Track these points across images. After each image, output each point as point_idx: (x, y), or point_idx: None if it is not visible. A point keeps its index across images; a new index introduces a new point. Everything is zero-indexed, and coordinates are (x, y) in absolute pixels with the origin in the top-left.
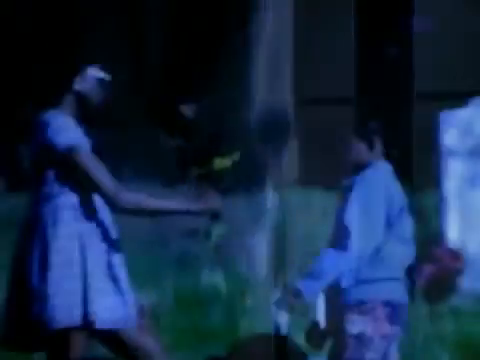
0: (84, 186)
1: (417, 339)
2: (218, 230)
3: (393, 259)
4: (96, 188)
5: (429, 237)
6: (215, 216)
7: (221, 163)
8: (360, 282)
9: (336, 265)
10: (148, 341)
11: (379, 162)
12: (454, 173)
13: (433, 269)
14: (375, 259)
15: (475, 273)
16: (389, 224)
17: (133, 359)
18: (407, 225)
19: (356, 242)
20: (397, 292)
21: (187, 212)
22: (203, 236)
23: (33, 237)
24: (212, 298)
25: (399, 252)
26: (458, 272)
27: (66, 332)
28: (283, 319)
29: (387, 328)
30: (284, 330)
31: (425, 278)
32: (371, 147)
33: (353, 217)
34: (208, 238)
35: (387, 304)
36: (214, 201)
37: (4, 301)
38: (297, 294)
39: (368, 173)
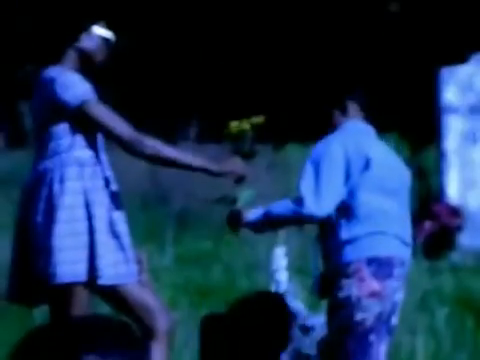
0: (90, 141)
1: (416, 295)
2: (246, 196)
3: (370, 214)
4: (114, 136)
5: (429, 194)
6: (239, 181)
7: (238, 126)
8: (342, 244)
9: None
10: (149, 297)
11: (348, 123)
12: (454, 130)
13: (432, 225)
14: (351, 217)
15: (474, 229)
16: (355, 179)
17: (134, 315)
18: (383, 177)
19: (315, 202)
20: (381, 247)
21: (205, 170)
22: (229, 203)
23: (39, 193)
24: (212, 255)
25: (375, 205)
26: (457, 228)
27: (69, 287)
28: (282, 277)
29: (375, 286)
30: (283, 288)
31: (424, 234)
32: (343, 111)
33: (307, 179)
34: (234, 204)
35: (371, 261)
36: (237, 166)
37: (10, 258)
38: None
39: (329, 137)
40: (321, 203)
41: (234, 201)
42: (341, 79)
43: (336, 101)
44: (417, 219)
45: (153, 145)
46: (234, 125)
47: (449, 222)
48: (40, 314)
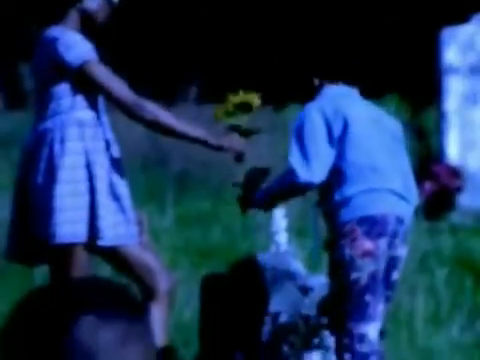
0: (91, 102)
1: (416, 255)
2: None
3: (359, 172)
4: (113, 98)
5: (429, 155)
6: (239, 159)
7: (236, 98)
8: (336, 206)
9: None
10: (149, 258)
11: (327, 89)
12: (455, 90)
13: (432, 186)
14: (341, 179)
15: (474, 190)
16: (338, 141)
17: (134, 276)
18: (367, 134)
19: (307, 170)
20: (373, 205)
21: (204, 143)
22: (233, 184)
23: (39, 153)
24: (211, 216)
25: (364, 163)
26: (457, 189)
27: (69, 248)
28: (282, 238)
29: (367, 245)
30: (283, 249)
31: (424, 195)
32: (322, 79)
33: (294, 150)
34: (236, 186)
35: (363, 221)
36: (236, 142)
37: (9, 217)
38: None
39: (307, 105)
40: (312, 169)
41: (255, 132)
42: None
43: (316, 70)
44: (417, 180)
45: (153, 110)
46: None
47: (449, 183)
48: (40, 274)
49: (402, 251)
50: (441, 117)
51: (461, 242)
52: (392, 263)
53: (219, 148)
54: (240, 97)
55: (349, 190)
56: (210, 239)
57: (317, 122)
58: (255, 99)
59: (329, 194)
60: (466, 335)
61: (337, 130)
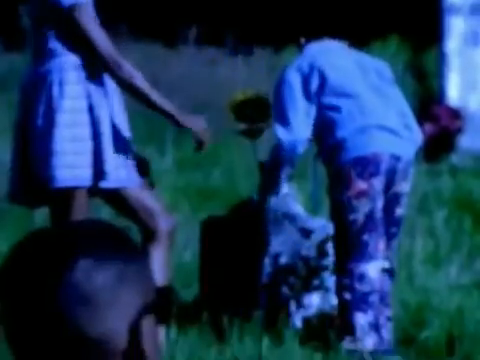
0: (88, 44)
1: (415, 197)
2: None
3: (346, 116)
4: (95, 48)
5: (429, 96)
6: (199, 148)
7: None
8: (331, 150)
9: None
10: (149, 200)
11: (308, 47)
12: (456, 31)
13: (433, 128)
14: (332, 124)
15: (474, 131)
16: (320, 92)
17: (134, 218)
18: (347, 80)
19: (289, 133)
20: (365, 145)
21: (171, 117)
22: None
23: (38, 96)
24: (212, 158)
25: (350, 106)
26: (458, 131)
27: (69, 191)
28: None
29: (361, 186)
30: (284, 190)
31: (425, 137)
32: (307, 38)
33: (276, 116)
34: (259, 135)
35: (356, 162)
36: (201, 128)
37: (10, 160)
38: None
39: (286, 67)
40: (293, 129)
41: (260, 132)
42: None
43: (299, 30)
44: (417, 122)
45: (130, 71)
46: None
47: (449, 124)
48: (40, 216)
49: (404, 187)
50: (442, 58)
51: (461, 183)
52: (394, 200)
53: (183, 126)
54: (253, 101)
55: (340, 133)
56: (210, 181)
57: (293, 81)
58: (264, 126)
59: (324, 141)
60: (464, 275)
61: (315, 84)
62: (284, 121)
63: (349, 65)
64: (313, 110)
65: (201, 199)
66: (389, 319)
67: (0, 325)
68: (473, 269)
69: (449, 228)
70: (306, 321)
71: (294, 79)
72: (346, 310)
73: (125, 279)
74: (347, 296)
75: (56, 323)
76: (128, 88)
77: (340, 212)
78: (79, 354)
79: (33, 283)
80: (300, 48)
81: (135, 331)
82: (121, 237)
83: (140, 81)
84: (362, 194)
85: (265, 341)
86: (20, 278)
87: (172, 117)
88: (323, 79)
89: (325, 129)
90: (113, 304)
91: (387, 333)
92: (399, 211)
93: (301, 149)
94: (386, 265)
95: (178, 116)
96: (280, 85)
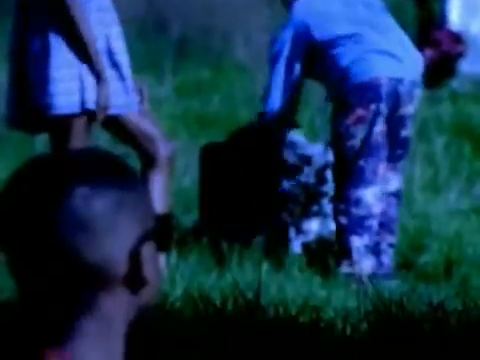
0: None
1: (415, 124)
2: None
3: (344, 49)
4: None
5: (430, 20)
6: (102, 111)
7: None
8: (334, 80)
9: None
10: (148, 126)
11: (295, 6)
12: None
13: (434, 53)
14: (332, 60)
15: (475, 56)
16: (312, 43)
17: (134, 144)
18: (338, 18)
19: (267, 106)
20: (363, 72)
21: (93, 65)
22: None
23: (32, 22)
24: (211, 85)
25: (344, 39)
26: (458, 55)
27: (68, 118)
28: None
29: (359, 112)
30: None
31: (425, 62)
32: None
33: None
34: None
35: (356, 90)
36: (105, 98)
37: (7, 87)
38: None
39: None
40: (272, 99)
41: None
42: None
43: None
44: (418, 47)
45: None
46: None
47: (451, 49)
48: (41, 142)
49: (409, 109)
50: None
51: (461, 109)
52: (399, 122)
53: (99, 83)
54: None
55: (341, 64)
56: (210, 108)
57: (284, 46)
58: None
59: (327, 76)
60: (463, 201)
61: (304, 45)
62: (268, 92)
63: (337, 7)
64: (296, 78)
65: (200, 126)
66: (391, 246)
67: (1, 252)
68: (472, 194)
69: (448, 154)
70: (305, 247)
71: (284, 44)
72: (342, 234)
73: (124, 206)
74: (343, 220)
75: (55, 249)
76: (68, 13)
77: (339, 140)
78: (79, 281)
79: (31, 209)
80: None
81: (135, 258)
82: (120, 165)
83: (83, 21)
84: (360, 120)
85: (264, 266)
86: (18, 204)
87: (93, 65)
88: (314, 31)
89: (330, 66)
90: (112, 231)
91: (388, 259)
92: (404, 133)
93: (277, 119)
94: (391, 188)
95: (98, 69)
96: (272, 52)
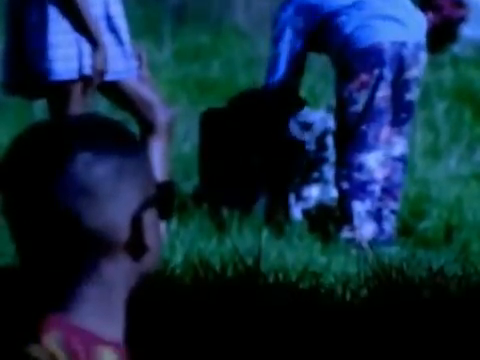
0: None
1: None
2: None
3: (347, 17)
4: None
5: None
6: (98, 76)
7: None
8: (340, 49)
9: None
10: (147, 92)
11: None
12: None
13: (435, 17)
14: (337, 29)
15: (477, 20)
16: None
17: (133, 110)
18: None
19: (271, 82)
20: (366, 37)
21: (91, 37)
22: None
23: None
24: (211, 50)
25: (346, 7)
26: (460, 20)
27: (66, 84)
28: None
29: (363, 78)
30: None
31: (427, 27)
32: None
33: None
34: None
35: (359, 55)
36: (102, 61)
37: (3, 55)
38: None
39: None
40: (276, 72)
41: None
42: None
43: None
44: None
45: None
46: None
47: (452, 14)
48: (39, 108)
49: (414, 73)
50: None
51: (462, 74)
52: (404, 86)
53: (96, 49)
54: None
55: (344, 31)
56: (209, 73)
57: (287, 21)
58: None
59: (330, 43)
60: (463, 166)
61: (308, 12)
62: (270, 67)
63: None
64: (301, 49)
65: (200, 91)
66: (394, 212)
67: (3, 216)
68: (472, 160)
69: (449, 119)
70: (305, 213)
71: (286, 21)
72: (344, 199)
73: (124, 172)
74: (345, 185)
75: (56, 215)
76: None
77: (342, 105)
78: (81, 247)
79: (33, 175)
80: None
81: (137, 225)
82: (120, 131)
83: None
84: (363, 86)
85: (264, 232)
86: (20, 171)
87: (95, 43)
88: (315, 9)
89: (335, 35)
90: (113, 197)
91: (389, 226)
92: (409, 96)
93: (280, 91)
94: (395, 153)
95: (98, 40)
96: (274, 29)
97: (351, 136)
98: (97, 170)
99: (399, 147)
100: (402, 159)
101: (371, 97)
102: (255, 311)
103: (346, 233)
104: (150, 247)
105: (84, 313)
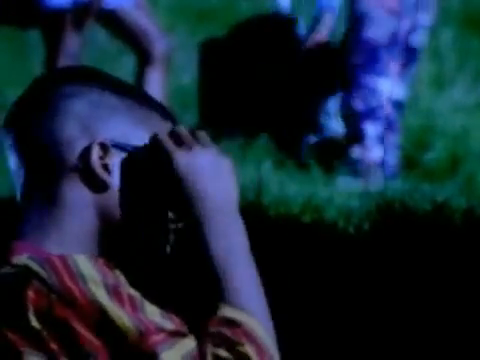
0: None
1: None
2: None
3: None
4: None
5: None
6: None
7: None
8: None
9: None
10: (145, 21)
11: None
12: None
13: None
14: None
15: None
16: None
17: (130, 40)
18: None
19: None
20: None
21: None
22: None
23: None
24: None
25: None
26: None
27: (62, 12)
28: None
29: (390, 3)
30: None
31: None
32: None
33: None
34: None
35: None
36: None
37: None
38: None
39: None
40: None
41: None
42: None
43: None
44: None
45: None
46: None
47: None
48: (34, 38)
49: (425, 19)
50: None
51: (469, 0)
52: (412, 30)
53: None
54: None
55: None
56: (209, 1)
57: None
58: None
59: None
60: (469, 97)
61: None
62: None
63: None
64: None
65: (199, 20)
66: (396, 146)
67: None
68: (478, 91)
69: (455, 48)
70: (308, 146)
71: None
72: (357, 120)
73: (101, 106)
74: (360, 106)
75: (32, 139)
76: None
77: (360, 25)
78: (41, 167)
79: (35, 109)
80: None
81: (86, 154)
82: (113, 77)
83: None
84: (391, 11)
85: (266, 165)
86: (27, 107)
87: None
88: None
89: None
90: (68, 113)
91: (392, 159)
92: (417, 40)
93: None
94: (398, 94)
95: None
96: None
97: (368, 59)
98: (74, 101)
99: (398, 91)
100: (399, 104)
101: (396, 25)
102: (255, 244)
103: (356, 153)
104: (110, 187)
105: (45, 237)
